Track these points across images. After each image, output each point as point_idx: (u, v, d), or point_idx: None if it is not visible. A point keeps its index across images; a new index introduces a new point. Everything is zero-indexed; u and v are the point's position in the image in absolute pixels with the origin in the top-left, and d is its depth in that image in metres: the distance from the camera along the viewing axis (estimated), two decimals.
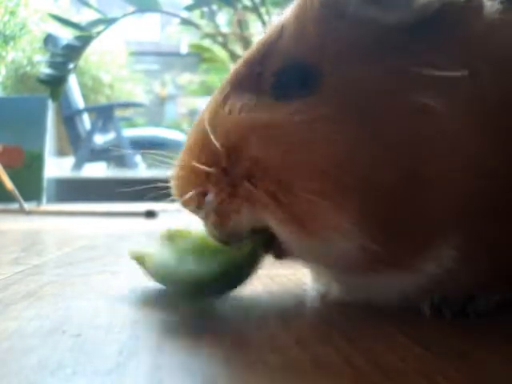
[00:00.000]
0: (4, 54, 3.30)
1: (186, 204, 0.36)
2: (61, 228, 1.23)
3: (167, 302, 0.40)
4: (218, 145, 0.33)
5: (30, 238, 0.98)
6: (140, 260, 0.42)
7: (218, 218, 0.34)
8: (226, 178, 0.34)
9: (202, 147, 0.35)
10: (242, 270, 0.34)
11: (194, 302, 0.35)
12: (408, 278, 0.33)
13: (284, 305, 0.41)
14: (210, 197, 0.34)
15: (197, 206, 0.35)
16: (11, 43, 3.32)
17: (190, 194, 0.35)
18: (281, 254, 0.35)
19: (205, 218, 0.35)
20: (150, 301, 0.40)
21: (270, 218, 0.33)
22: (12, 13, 3.21)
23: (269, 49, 0.35)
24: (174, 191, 0.37)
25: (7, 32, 3.21)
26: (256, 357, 0.28)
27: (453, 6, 0.31)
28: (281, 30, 0.35)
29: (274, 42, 0.35)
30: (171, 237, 0.40)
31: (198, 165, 0.34)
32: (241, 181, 0.33)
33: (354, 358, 0.27)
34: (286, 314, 0.38)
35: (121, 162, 3.27)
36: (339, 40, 0.32)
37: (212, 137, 0.33)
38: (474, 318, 0.34)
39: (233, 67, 0.37)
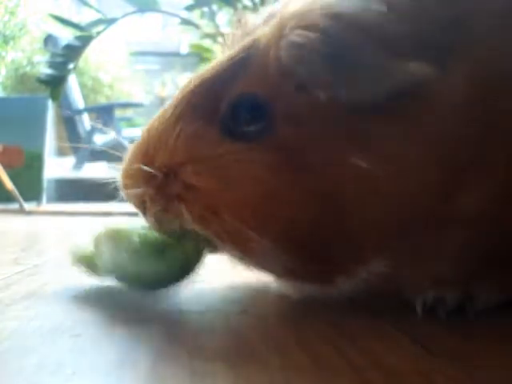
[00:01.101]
0: (4, 54, 3.31)
1: (130, 199, 0.40)
2: (61, 228, 1.23)
3: (167, 302, 0.40)
4: (154, 171, 0.37)
5: (30, 238, 0.99)
6: (85, 260, 0.43)
7: (157, 225, 0.39)
8: (161, 195, 0.37)
9: (145, 160, 0.38)
10: (197, 264, 0.40)
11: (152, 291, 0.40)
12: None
13: (284, 304, 0.41)
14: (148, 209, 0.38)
15: (140, 206, 0.39)
16: (11, 43, 3.32)
17: (136, 190, 0.38)
18: (215, 249, 0.39)
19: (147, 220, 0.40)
20: (150, 301, 0.40)
21: (201, 232, 0.36)
22: (12, 13, 3.21)
23: (231, 77, 0.35)
24: (121, 184, 0.40)
25: (7, 32, 3.21)
26: (256, 357, 0.28)
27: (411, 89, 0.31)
28: (245, 62, 0.35)
29: (237, 72, 0.35)
30: (113, 237, 0.43)
31: (144, 167, 0.37)
32: (173, 199, 0.36)
33: (353, 357, 0.27)
34: (286, 313, 0.38)
35: (121, 162, 3.26)
36: (295, 101, 0.33)
37: (146, 168, 0.37)
38: (472, 317, 0.34)
39: (192, 80, 0.38)
